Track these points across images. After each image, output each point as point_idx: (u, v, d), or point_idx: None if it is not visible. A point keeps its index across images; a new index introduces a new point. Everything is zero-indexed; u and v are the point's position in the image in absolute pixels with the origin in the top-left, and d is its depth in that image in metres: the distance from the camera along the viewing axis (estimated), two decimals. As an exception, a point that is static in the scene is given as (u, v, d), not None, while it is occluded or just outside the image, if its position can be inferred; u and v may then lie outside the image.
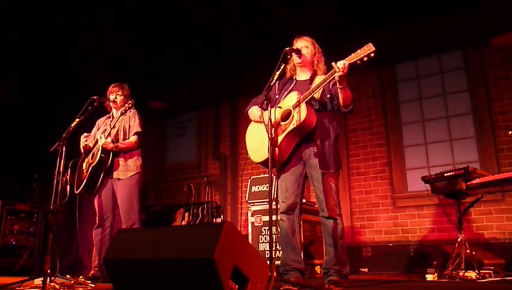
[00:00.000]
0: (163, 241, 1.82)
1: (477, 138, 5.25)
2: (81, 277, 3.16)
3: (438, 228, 5.16)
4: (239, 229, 5.71)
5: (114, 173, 3.72)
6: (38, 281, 2.95)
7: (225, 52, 6.35)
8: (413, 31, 5.64)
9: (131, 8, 5.25)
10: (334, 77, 2.67)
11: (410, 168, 5.59)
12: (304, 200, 4.54)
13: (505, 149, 5.03)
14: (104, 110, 4.03)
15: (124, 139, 3.79)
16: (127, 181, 3.70)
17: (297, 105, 2.77)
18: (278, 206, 2.74)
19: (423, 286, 3.21)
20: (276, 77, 2.69)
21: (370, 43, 2.62)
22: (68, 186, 3.69)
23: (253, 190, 5.02)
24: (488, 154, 5.12)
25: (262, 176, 5.07)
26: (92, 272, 3.61)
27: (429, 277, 3.53)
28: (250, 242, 4.65)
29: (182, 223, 5.98)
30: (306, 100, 2.76)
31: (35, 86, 6.58)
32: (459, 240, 3.52)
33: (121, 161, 3.73)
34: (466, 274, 3.29)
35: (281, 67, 2.72)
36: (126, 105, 3.68)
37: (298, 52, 2.89)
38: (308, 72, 3.00)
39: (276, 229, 2.65)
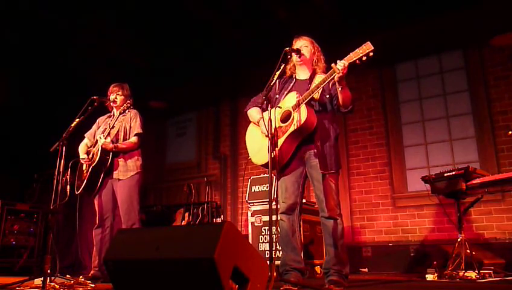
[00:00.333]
0: (163, 241, 1.82)
1: (477, 138, 5.25)
2: (81, 277, 3.16)
3: (438, 228, 5.16)
4: (239, 229, 5.71)
5: (114, 173, 3.72)
6: (38, 281, 2.95)
7: (225, 52, 6.35)
8: (413, 31, 5.64)
9: (131, 8, 5.25)
10: (333, 77, 2.67)
11: (410, 168, 5.59)
12: (304, 200, 4.54)
13: (505, 149, 5.03)
14: (105, 110, 4.03)
15: (124, 139, 3.79)
16: (127, 181, 3.70)
17: (297, 106, 2.77)
18: (278, 207, 2.74)
19: (423, 286, 3.21)
20: (276, 77, 2.69)
21: (368, 42, 2.62)
22: (68, 187, 3.69)
23: (253, 190, 5.02)
24: (488, 154, 5.12)
25: (262, 176, 5.07)
26: (92, 272, 3.62)
27: (429, 277, 3.53)
28: (250, 242, 4.65)
29: (182, 223, 5.98)
30: (306, 101, 2.76)
31: (35, 86, 6.58)
32: (459, 240, 3.52)
33: (121, 161, 3.73)
34: (466, 274, 3.29)
35: (281, 67, 2.72)
36: (124, 105, 3.69)
37: (298, 52, 2.90)
38: (308, 71, 3.01)
39: (276, 229, 2.65)
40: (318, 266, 4.49)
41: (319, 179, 2.77)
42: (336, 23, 5.62)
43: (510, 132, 4.05)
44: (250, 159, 3.04)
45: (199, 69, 6.76)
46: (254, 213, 4.83)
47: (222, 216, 6.33)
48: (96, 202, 3.77)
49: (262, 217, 4.74)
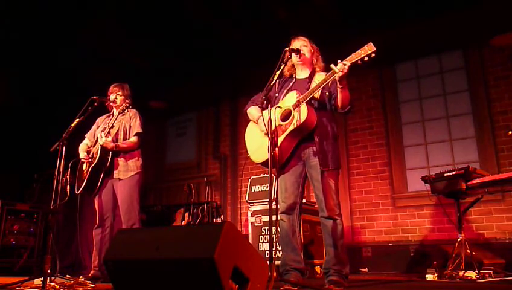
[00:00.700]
0: (163, 241, 1.82)
1: (477, 138, 5.25)
2: (81, 277, 3.16)
3: (438, 228, 5.16)
4: (239, 229, 5.71)
5: (114, 173, 3.72)
6: (38, 281, 2.95)
7: (225, 52, 6.35)
8: (413, 31, 5.64)
9: (131, 8, 5.25)
10: (334, 77, 2.68)
11: (410, 168, 5.60)
12: (304, 200, 4.54)
13: (505, 149, 5.03)
14: (105, 110, 4.04)
15: (124, 139, 3.79)
16: (127, 181, 3.70)
17: (297, 105, 2.77)
18: (278, 206, 2.74)
19: (423, 286, 3.21)
20: (275, 77, 2.70)
21: (370, 43, 2.62)
22: (68, 187, 3.69)
23: (253, 190, 5.02)
24: (488, 154, 5.12)
25: (262, 176, 5.08)
26: (92, 272, 3.62)
27: (429, 277, 3.53)
28: (250, 242, 4.65)
29: (182, 223, 5.98)
30: (306, 100, 2.77)
31: (35, 86, 6.58)
32: (459, 240, 3.52)
33: (121, 161, 3.74)
34: (466, 274, 3.29)
35: (281, 67, 2.73)
36: (123, 104, 3.69)
37: (298, 52, 2.90)
38: (308, 70, 3.02)
39: (276, 229, 2.65)
40: (318, 266, 4.49)
41: (319, 179, 2.77)
42: (336, 23, 5.62)
43: (510, 132, 4.05)
44: (249, 156, 3.05)
45: (199, 69, 6.75)
46: (254, 213, 4.83)
47: (222, 216, 6.33)
48: (96, 202, 3.77)
49: (262, 217, 4.74)
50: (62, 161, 3.10)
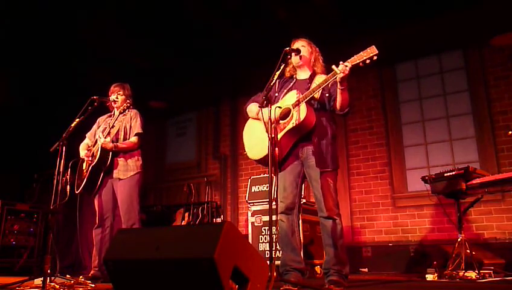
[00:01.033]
0: (163, 241, 1.82)
1: (477, 138, 5.25)
2: (81, 277, 3.16)
3: (438, 228, 5.16)
4: (239, 229, 5.72)
5: (114, 172, 3.72)
6: (38, 281, 2.95)
7: (225, 52, 6.35)
8: (413, 31, 5.64)
9: (131, 8, 5.25)
10: (335, 78, 2.68)
11: (410, 168, 5.60)
12: (304, 200, 4.56)
13: (505, 149, 5.03)
14: (105, 110, 4.04)
15: (125, 139, 3.80)
16: (127, 181, 3.70)
17: (297, 104, 2.78)
18: (277, 206, 2.73)
19: (423, 286, 3.21)
20: (275, 77, 2.70)
21: (373, 46, 2.63)
22: (68, 186, 3.69)
23: (253, 190, 5.02)
24: (488, 154, 5.12)
25: (262, 176, 5.08)
26: (92, 272, 3.62)
27: (429, 277, 3.53)
28: (250, 242, 4.65)
29: (182, 223, 5.98)
30: (306, 100, 2.77)
31: (35, 86, 6.58)
32: (459, 240, 3.52)
33: (121, 160, 3.74)
34: (466, 274, 3.28)
35: (281, 68, 2.72)
36: (124, 104, 3.70)
37: (298, 51, 2.90)
38: (308, 72, 3.02)
39: (276, 229, 2.65)
40: (318, 266, 4.49)
41: (317, 179, 2.77)
42: (336, 23, 5.62)
43: (510, 132, 4.05)
44: (245, 153, 3.05)
45: (199, 69, 6.75)
46: (254, 213, 4.83)
47: (222, 216, 6.33)
48: (96, 202, 3.77)
49: (262, 217, 4.74)
50: (62, 161, 3.10)
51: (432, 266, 3.62)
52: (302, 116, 2.72)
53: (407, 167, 5.62)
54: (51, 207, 3.08)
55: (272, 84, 2.68)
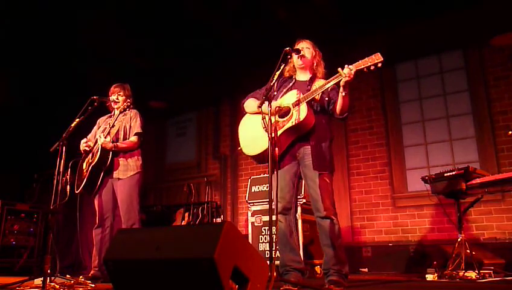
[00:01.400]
0: (163, 241, 1.82)
1: (477, 138, 5.25)
2: (81, 277, 3.16)
3: (438, 228, 5.16)
4: (239, 229, 5.71)
5: (114, 172, 3.72)
6: (38, 281, 2.95)
7: (225, 52, 6.35)
8: (413, 31, 5.64)
9: (131, 8, 5.25)
10: (338, 81, 2.68)
11: (410, 168, 5.60)
12: (304, 200, 4.56)
13: (505, 149, 5.03)
14: (105, 110, 4.04)
15: (124, 138, 3.80)
16: (127, 181, 3.70)
17: (297, 104, 2.78)
18: (276, 205, 2.73)
19: (423, 286, 3.21)
20: (276, 77, 2.69)
21: (378, 53, 2.64)
22: (68, 186, 3.69)
23: (253, 190, 5.02)
24: (488, 154, 5.12)
25: (262, 176, 5.08)
26: (92, 272, 3.61)
27: (429, 277, 3.53)
28: (250, 242, 4.65)
29: (182, 223, 5.98)
30: (307, 100, 2.77)
31: (35, 86, 6.58)
32: (459, 240, 3.52)
33: (122, 160, 3.74)
34: (466, 274, 3.29)
35: (281, 67, 2.72)
36: (124, 104, 3.70)
37: (298, 51, 2.90)
38: (308, 74, 3.02)
39: (276, 229, 2.64)
40: (318, 266, 4.49)
41: (313, 179, 2.77)
42: (336, 23, 5.62)
43: (510, 132, 4.05)
44: (240, 148, 3.04)
45: (199, 69, 6.75)
46: (254, 213, 4.83)
47: (222, 216, 6.33)
48: (96, 202, 3.77)
49: (262, 217, 4.74)
50: (62, 161, 3.10)
51: (432, 266, 3.62)
52: (303, 115, 2.72)
53: (407, 167, 5.62)
54: (51, 207, 3.08)
55: (272, 84, 2.68)
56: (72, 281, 2.94)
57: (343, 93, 2.71)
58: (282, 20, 5.48)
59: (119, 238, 2.00)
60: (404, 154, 5.68)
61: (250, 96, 3.13)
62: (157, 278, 1.78)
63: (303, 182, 3.12)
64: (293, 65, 3.03)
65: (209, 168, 7.22)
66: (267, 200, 4.16)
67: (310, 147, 2.81)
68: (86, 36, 5.81)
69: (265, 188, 4.93)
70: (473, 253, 3.41)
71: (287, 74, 3.06)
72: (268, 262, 2.12)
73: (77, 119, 3.31)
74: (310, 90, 2.84)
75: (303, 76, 3.03)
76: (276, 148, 2.53)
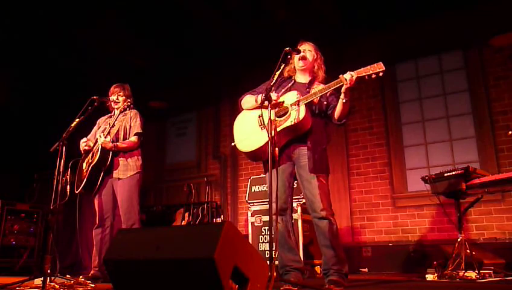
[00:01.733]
0: (163, 241, 1.82)
1: (477, 138, 5.25)
2: (81, 277, 3.16)
3: (438, 228, 5.16)
4: (239, 229, 5.71)
5: (114, 172, 3.72)
6: (38, 281, 2.95)
7: (225, 52, 6.35)
8: (413, 31, 5.65)
9: (131, 8, 5.26)
10: (338, 86, 2.69)
11: (410, 168, 5.59)
12: (304, 201, 4.56)
13: (505, 149, 5.03)
14: (105, 110, 4.04)
15: (124, 138, 3.80)
16: (127, 181, 3.70)
17: (296, 104, 2.78)
18: (275, 204, 2.72)
19: (423, 286, 3.21)
20: (276, 77, 2.69)
21: (381, 62, 2.65)
22: (68, 186, 3.69)
23: (253, 190, 5.02)
24: (488, 154, 5.11)
25: (262, 176, 5.08)
26: (92, 272, 3.62)
27: (429, 277, 3.53)
28: (250, 242, 4.65)
29: (182, 223, 5.98)
30: (306, 101, 2.77)
31: (35, 86, 6.58)
32: (459, 240, 3.52)
33: (122, 160, 3.74)
34: (466, 274, 3.28)
35: (281, 67, 2.72)
36: (125, 104, 3.70)
37: (299, 51, 2.90)
38: (308, 77, 3.03)
39: (276, 228, 2.64)
40: (318, 266, 4.49)
41: (309, 179, 2.77)
42: (336, 23, 5.62)
43: (510, 132, 4.04)
44: (234, 144, 3.04)
45: (199, 69, 6.75)
46: (254, 213, 4.83)
47: (222, 216, 6.33)
48: (96, 202, 3.77)
49: (262, 217, 4.74)
50: (62, 161, 3.10)
51: (431, 266, 3.62)
52: (301, 116, 2.72)
53: (407, 167, 5.62)
54: (51, 207, 3.08)
55: (272, 84, 2.68)
56: (72, 281, 2.94)
57: (344, 100, 2.71)
58: (282, 20, 5.48)
59: (119, 238, 2.00)
60: (404, 154, 5.68)
61: (248, 94, 3.13)
62: (157, 278, 1.78)
63: None
64: (294, 66, 3.03)
65: (209, 168, 7.22)
66: (267, 200, 4.17)
67: (305, 148, 2.81)
68: (86, 36, 5.81)
69: (265, 188, 4.93)
70: (473, 253, 3.41)
71: (286, 74, 3.06)
72: (268, 262, 2.13)
73: (77, 119, 3.31)
74: (308, 92, 2.84)
75: (302, 78, 3.03)
76: (277, 148, 2.53)
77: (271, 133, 2.51)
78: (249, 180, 5.18)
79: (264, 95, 2.64)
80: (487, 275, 3.32)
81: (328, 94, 2.85)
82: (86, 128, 3.94)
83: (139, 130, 3.82)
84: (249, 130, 2.96)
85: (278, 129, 2.77)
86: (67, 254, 5.55)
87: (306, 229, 4.53)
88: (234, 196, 6.76)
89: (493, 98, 5.23)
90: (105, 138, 3.62)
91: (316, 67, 3.01)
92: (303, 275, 2.85)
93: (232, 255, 1.69)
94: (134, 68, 6.57)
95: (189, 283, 1.72)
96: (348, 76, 2.64)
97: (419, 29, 5.59)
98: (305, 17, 5.46)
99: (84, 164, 3.82)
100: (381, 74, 2.63)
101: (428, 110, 5.69)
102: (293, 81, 3.04)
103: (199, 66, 6.71)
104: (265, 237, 4.66)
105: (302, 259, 3.50)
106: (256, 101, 2.95)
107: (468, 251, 3.40)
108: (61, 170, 3.07)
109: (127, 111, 3.81)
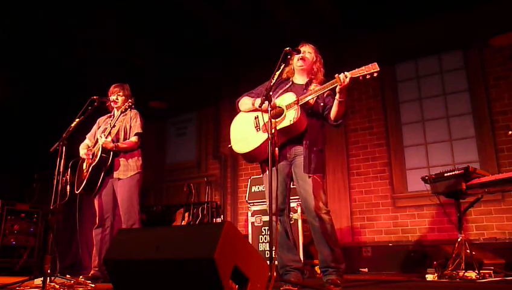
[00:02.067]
0: (163, 241, 1.82)
1: (477, 138, 5.25)
2: (81, 277, 3.16)
3: (438, 228, 5.16)
4: (239, 229, 5.72)
5: (114, 172, 3.72)
6: (38, 281, 2.96)
7: (225, 52, 6.35)
8: (413, 31, 5.65)
9: (131, 8, 5.26)
10: (334, 87, 2.69)
11: (410, 168, 5.59)
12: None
13: (505, 149, 5.03)
14: (105, 110, 4.04)
15: (125, 139, 3.80)
16: (127, 181, 3.71)
17: (292, 106, 2.79)
18: (275, 204, 2.72)
19: (423, 286, 3.21)
20: (275, 77, 2.70)
21: (375, 63, 2.66)
22: (68, 186, 3.69)
23: (253, 190, 5.02)
24: (488, 154, 5.11)
25: (262, 176, 5.07)
26: (92, 272, 3.62)
27: (429, 277, 3.53)
28: (250, 242, 4.65)
29: (182, 223, 5.98)
30: (302, 102, 2.78)
31: (35, 86, 6.58)
32: (459, 240, 3.52)
33: (122, 160, 3.74)
34: (466, 274, 3.28)
35: (281, 67, 2.72)
36: (125, 104, 3.70)
37: (299, 51, 2.90)
38: (306, 78, 3.03)
39: (276, 228, 2.64)
40: (318, 266, 4.49)
41: (304, 178, 2.78)
42: (335, 23, 5.62)
43: (510, 132, 4.04)
44: (230, 146, 3.05)
45: (199, 69, 6.75)
46: (254, 213, 4.83)
47: (222, 216, 6.33)
48: (96, 202, 3.77)
49: (262, 217, 4.74)
50: (62, 161, 3.10)
51: (431, 266, 3.62)
52: (296, 117, 2.74)
53: (407, 167, 5.62)
54: (51, 207, 3.08)
55: (272, 84, 2.68)
56: (72, 281, 2.94)
57: (340, 100, 2.71)
58: (282, 20, 5.48)
59: (119, 238, 2.00)
60: (404, 154, 5.68)
61: (245, 95, 3.13)
62: (157, 278, 1.78)
63: None
64: (293, 67, 3.04)
65: (209, 168, 7.22)
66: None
67: (301, 148, 2.83)
68: (86, 36, 5.81)
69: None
70: (473, 253, 3.41)
71: (284, 76, 3.06)
72: (268, 262, 2.13)
73: (77, 119, 3.31)
74: (305, 94, 2.85)
75: (300, 79, 3.03)
76: (276, 148, 2.53)
77: (271, 133, 2.51)
78: (249, 180, 5.18)
79: (263, 95, 2.64)
80: (487, 275, 3.32)
81: (325, 95, 2.86)
82: (86, 129, 3.94)
83: (139, 131, 3.82)
84: (245, 132, 2.97)
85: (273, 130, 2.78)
86: (67, 254, 5.55)
87: (306, 229, 4.53)
88: (234, 196, 6.76)
89: (493, 98, 5.23)
90: (106, 138, 3.62)
91: (315, 69, 3.02)
92: (303, 275, 2.86)
93: (232, 255, 1.69)
94: (134, 68, 6.57)
95: (189, 283, 1.72)
96: (341, 76, 2.64)
97: (419, 29, 5.59)
98: (305, 17, 5.45)
99: (85, 164, 3.82)
100: (375, 75, 2.64)
101: (428, 110, 5.69)
102: (290, 82, 3.04)
103: (199, 66, 6.71)
104: (265, 237, 4.66)
105: (302, 259, 3.50)
106: (253, 104, 2.97)
107: (468, 251, 3.40)
108: (61, 170, 3.07)
109: (127, 111, 3.81)
